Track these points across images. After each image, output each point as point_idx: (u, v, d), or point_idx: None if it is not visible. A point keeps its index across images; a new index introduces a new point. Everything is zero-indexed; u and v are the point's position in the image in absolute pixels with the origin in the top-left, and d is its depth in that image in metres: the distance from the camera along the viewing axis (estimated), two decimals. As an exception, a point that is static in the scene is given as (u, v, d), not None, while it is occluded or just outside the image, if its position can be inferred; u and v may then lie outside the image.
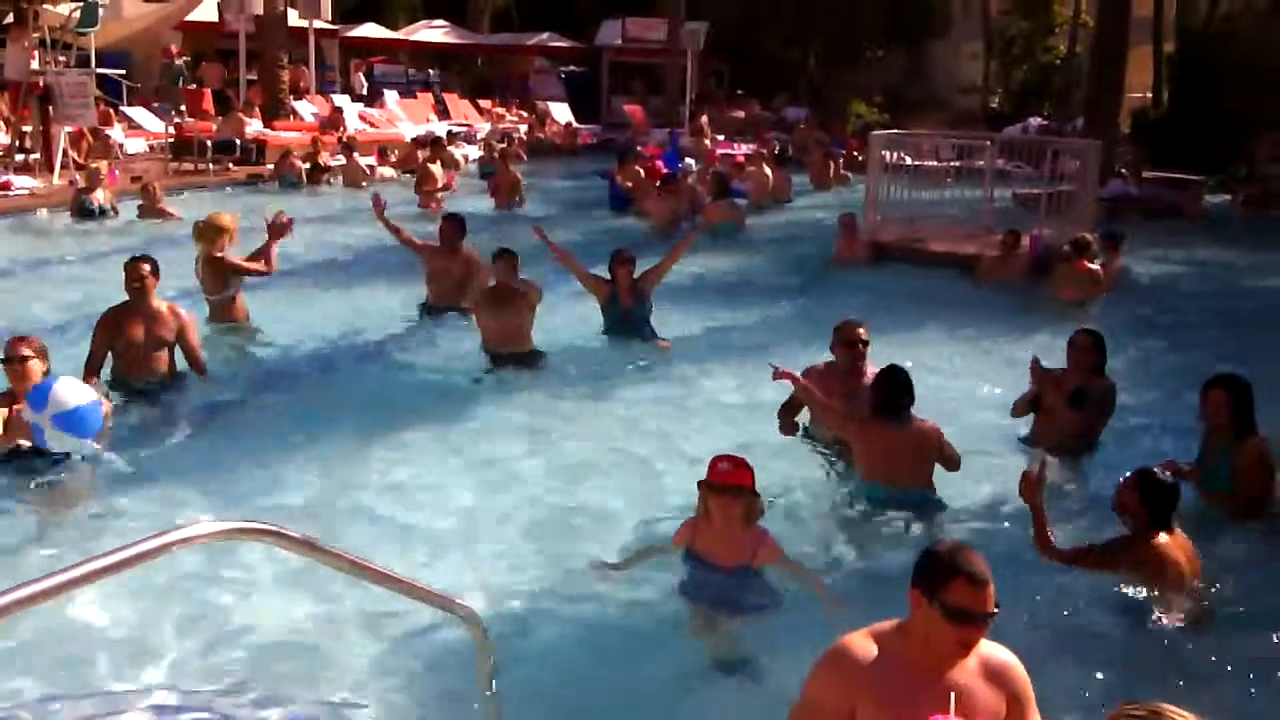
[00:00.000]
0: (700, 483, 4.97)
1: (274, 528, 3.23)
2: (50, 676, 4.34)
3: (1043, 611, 5.06)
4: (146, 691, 4.29)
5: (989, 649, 3.33)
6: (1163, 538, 5.01)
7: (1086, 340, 7.06)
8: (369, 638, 4.73)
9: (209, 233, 9.27)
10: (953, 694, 2.80)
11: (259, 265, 9.37)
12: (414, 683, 4.55)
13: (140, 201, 16.02)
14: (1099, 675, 4.59)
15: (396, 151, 23.92)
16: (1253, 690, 4.60)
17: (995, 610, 3.21)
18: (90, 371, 7.45)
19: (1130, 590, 5.03)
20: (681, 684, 4.67)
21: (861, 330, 7.03)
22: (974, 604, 3.15)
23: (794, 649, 4.70)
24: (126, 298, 7.69)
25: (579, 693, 4.55)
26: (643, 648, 4.88)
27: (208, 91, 27.32)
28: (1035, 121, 32.97)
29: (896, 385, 6.16)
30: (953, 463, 6.20)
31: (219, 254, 9.25)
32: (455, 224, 10.51)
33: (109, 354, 7.63)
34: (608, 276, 9.77)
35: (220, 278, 9.34)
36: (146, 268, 7.67)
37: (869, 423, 6.21)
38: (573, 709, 4.41)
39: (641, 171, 19.45)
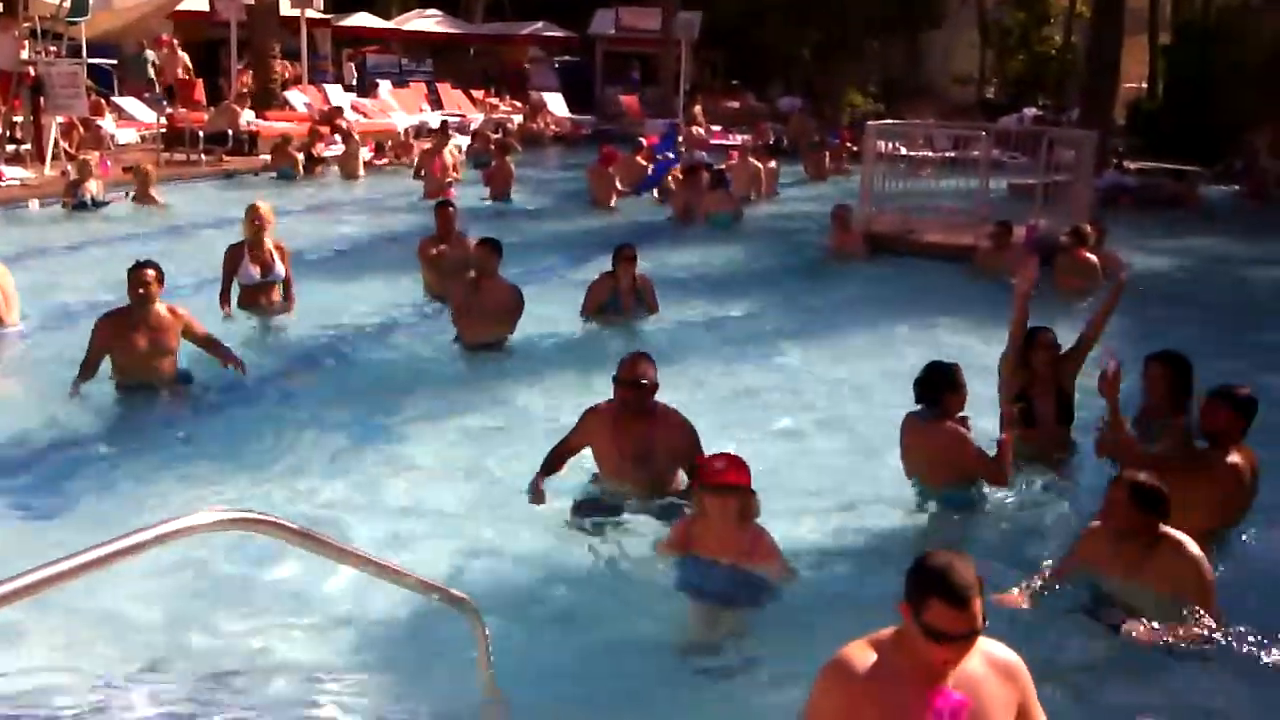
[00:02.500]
0: (694, 482, 4.91)
1: (269, 517, 3.19)
2: (44, 666, 4.29)
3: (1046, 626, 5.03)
4: (138, 680, 4.26)
5: (992, 647, 3.31)
6: (1239, 455, 5.16)
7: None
8: (365, 627, 4.69)
9: (246, 218, 9.59)
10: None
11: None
12: (411, 671, 4.51)
13: (133, 188, 15.97)
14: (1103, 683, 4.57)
15: (391, 143, 23.82)
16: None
17: (978, 629, 3.15)
18: (85, 374, 7.40)
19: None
20: (678, 671, 4.64)
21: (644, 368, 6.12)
22: (952, 626, 3.10)
23: (789, 640, 4.71)
24: (127, 301, 7.49)
25: (576, 680, 4.52)
26: (639, 635, 4.86)
27: (199, 82, 27.18)
28: (1030, 112, 33.01)
29: (926, 377, 6.10)
30: (981, 472, 6.01)
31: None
32: (450, 214, 10.51)
33: (106, 356, 7.51)
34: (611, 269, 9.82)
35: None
36: (151, 273, 7.46)
37: (907, 416, 6.19)
38: (571, 696, 4.37)
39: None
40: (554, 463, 6.15)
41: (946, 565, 3.15)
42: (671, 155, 20.92)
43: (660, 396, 6.05)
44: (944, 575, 3.12)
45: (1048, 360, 6.75)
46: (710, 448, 5.49)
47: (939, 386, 6.04)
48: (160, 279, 7.54)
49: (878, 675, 3.18)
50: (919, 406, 6.13)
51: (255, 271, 9.55)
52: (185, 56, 28.22)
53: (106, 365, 7.56)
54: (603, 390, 8.21)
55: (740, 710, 4.37)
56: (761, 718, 3.65)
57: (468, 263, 9.18)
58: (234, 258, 9.59)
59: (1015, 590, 4.90)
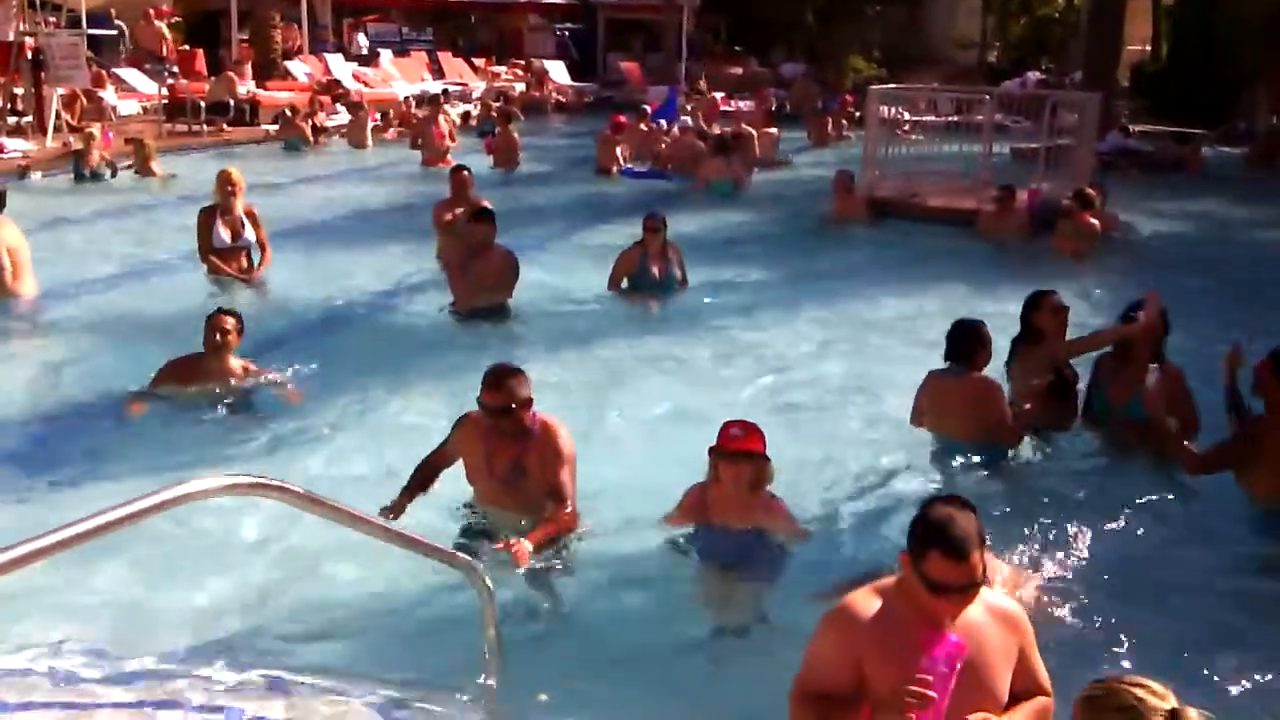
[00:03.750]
0: (711, 449, 4.96)
1: (275, 482, 3.24)
2: (46, 635, 4.34)
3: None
4: (141, 647, 4.31)
5: (993, 598, 3.35)
6: None
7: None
8: (371, 590, 4.74)
9: (218, 183, 9.64)
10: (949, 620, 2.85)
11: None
12: (416, 635, 4.56)
13: (133, 161, 15.98)
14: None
15: (392, 113, 23.75)
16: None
17: (977, 581, 3.18)
18: (141, 404, 6.86)
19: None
20: (689, 637, 4.69)
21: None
22: (951, 578, 3.13)
23: (803, 610, 4.74)
24: (201, 349, 6.95)
25: (582, 644, 4.57)
26: (647, 601, 4.91)
27: (199, 52, 27.04)
28: (1034, 75, 32.77)
29: (955, 335, 6.27)
30: (1006, 429, 6.16)
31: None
32: (465, 177, 10.58)
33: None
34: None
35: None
36: (231, 323, 6.90)
37: (934, 375, 6.36)
38: (576, 660, 4.42)
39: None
40: (423, 478, 5.38)
41: (947, 518, 3.17)
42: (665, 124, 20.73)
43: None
44: (944, 528, 3.14)
45: (1054, 324, 6.74)
46: (718, 414, 5.48)
47: (970, 342, 6.20)
48: (240, 330, 6.97)
49: (880, 620, 3.23)
50: (945, 365, 6.30)
51: (225, 235, 9.63)
52: (163, 27, 28.02)
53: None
54: (606, 357, 8.34)
55: (755, 674, 4.38)
56: (777, 681, 3.71)
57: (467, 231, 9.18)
58: (205, 222, 9.67)
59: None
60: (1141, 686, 2.59)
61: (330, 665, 4.20)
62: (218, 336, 6.84)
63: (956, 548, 3.11)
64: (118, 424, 6.72)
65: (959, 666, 3.00)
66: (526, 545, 4.75)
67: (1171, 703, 2.56)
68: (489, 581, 3.90)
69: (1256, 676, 4.25)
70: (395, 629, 4.61)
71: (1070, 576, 5.02)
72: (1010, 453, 6.33)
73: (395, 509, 5.10)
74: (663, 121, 20.81)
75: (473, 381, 5.16)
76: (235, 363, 6.99)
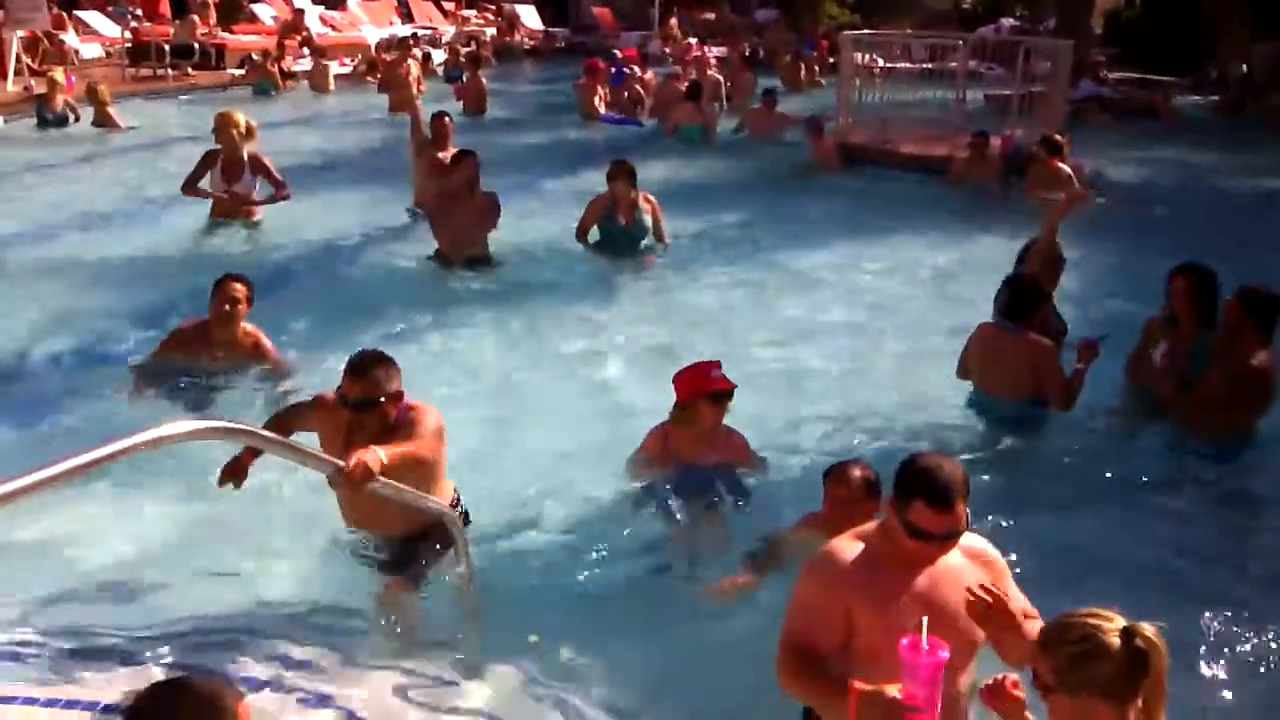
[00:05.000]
0: (693, 392, 4.96)
1: (243, 426, 3.22)
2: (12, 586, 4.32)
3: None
4: (117, 599, 4.30)
5: (967, 539, 3.34)
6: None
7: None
8: (345, 537, 4.72)
9: (220, 127, 9.39)
10: (925, 619, 2.80)
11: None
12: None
13: (93, 108, 15.72)
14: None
15: (360, 56, 23.43)
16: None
17: (958, 530, 3.19)
18: (145, 380, 6.30)
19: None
20: (660, 586, 4.71)
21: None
22: (933, 526, 3.14)
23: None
24: (206, 315, 6.31)
25: (558, 593, 4.58)
26: (624, 551, 4.89)
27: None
28: (1008, 22, 32.64)
29: (1013, 291, 5.98)
30: (1059, 392, 5.81)
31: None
32: (449, 123, 10.42)
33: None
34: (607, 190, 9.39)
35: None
36: (241, 290, 6.24)
37: (984, 324, 6.13)
38: (550, 609, 4.43)
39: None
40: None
41: (934, 466, 3.18)
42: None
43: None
44: (929, 476, 3.15)
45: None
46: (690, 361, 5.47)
47: (1031, 300, 5.95)
48: (250, 297, 6.31)
49: (868, 565, 3.24)
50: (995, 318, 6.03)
51: (220, 180, 9.46)
52: None
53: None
54: (589, 307, 8.29)
55: (736, 611, 4.43)
56: (758, 618, 3.76)
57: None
58: (208, 163, 9.46)
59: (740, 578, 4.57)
60: (1092, 615, 2.66)
61: (299, 612, 4.19)
62: (227, 306, 6.19)
63: (941, 496, 3.12)
64: (80, 379, 6.59)
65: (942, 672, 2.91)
66: (378, 454, 3.80)
67: (1120, 622, 2.64)
68: (462, 527, 3.90)
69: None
70: (370, 578, 4.58)
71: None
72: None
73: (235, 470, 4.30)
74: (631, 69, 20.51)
75: (462, 335, 5.05)
76: (246, 332, 6.33)
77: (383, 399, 4.21)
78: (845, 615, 3.21)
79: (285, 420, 4.56)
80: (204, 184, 9.46)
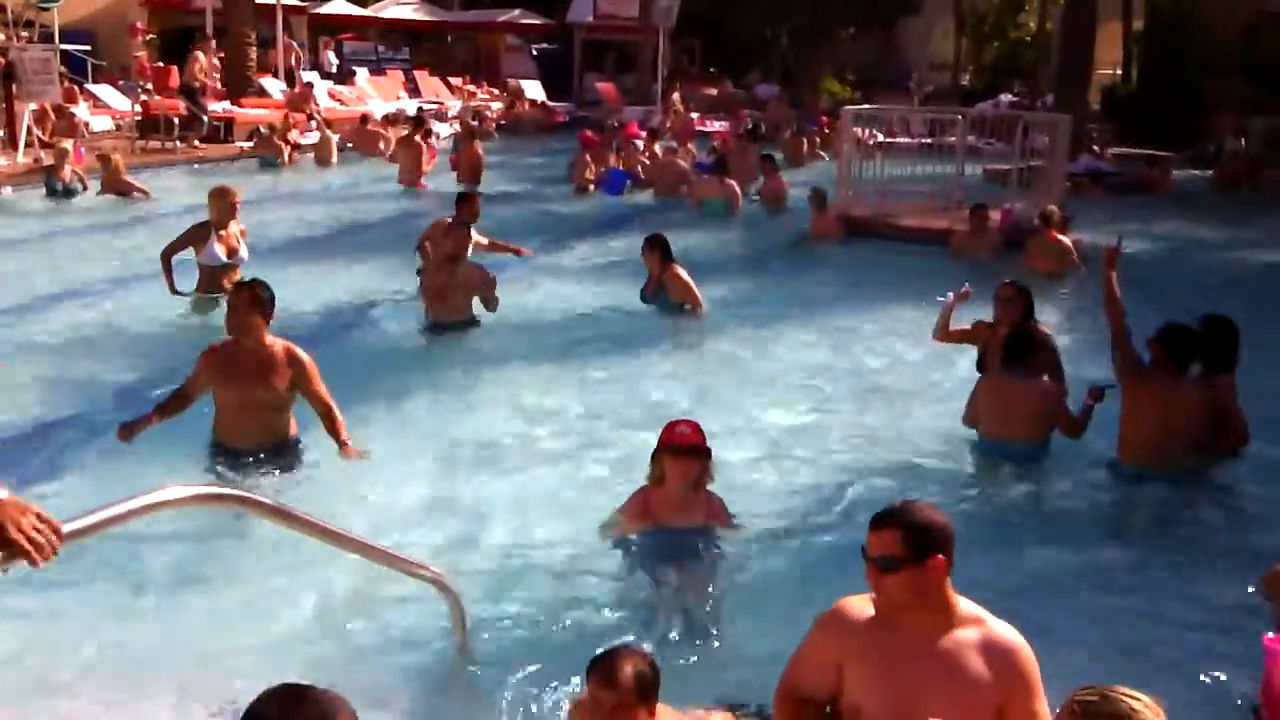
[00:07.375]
0: (658, 448, 4.99)
1: (244, 494, 3.23)
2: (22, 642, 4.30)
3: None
4: (110, 658, 4.28)
5: (997, 626, 3.20)
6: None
7: (1010, 291, 7.17)
8: (340, 603, 4.70)
9: (218, 200, 9.40)
10: None
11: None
12: (387, 647, 4.52)
13: (102, 176, 15.89)
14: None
15: (350, 128, 23.72)
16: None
17: (873, 555, 3.14)
18: (166, 410, 5.98)
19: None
20: (651, 636, 4.65)
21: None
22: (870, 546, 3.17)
23: (758, 612, 4.77)
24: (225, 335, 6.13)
25: (551, 655, 4.53)
26: (614, 608, 4.88)
27: (174, 69, 26.95)
28: (1006, 98, 33.14)
29: (1016, 339, 6.47)
30: (1070, 425, 6.40)
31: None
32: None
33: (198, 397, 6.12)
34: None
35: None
36: (245, 295, 5.98)
37: (992, 373, 6.64)
38: (545, 670, 4.40)
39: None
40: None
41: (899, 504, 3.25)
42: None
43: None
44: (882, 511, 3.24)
45: (1006, 314, 7.07)
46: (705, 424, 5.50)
47: (1030, 345, 6.45)
48: (263, 305, 5.96)
49: (871, 627, 3.22)
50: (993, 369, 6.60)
51: (221, 253, 9.37)
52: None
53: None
54: (595, 370, 8.36)
55: (724, 666, 4.41)
56: (742, 673, 3.75)
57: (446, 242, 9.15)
58: (199, 237, 9.31)
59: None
60: (1135, 699, 2.60)
61: (292, 675, 4.15)
62: (234, 317, 5.95)
63: (875, 518, 3.23)
64: (74, 440, 6.61)
65: None
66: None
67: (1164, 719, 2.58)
68: (456, 591, 3.89)
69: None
70: (364, 642, 4.55)
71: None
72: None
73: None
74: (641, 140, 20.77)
75: (442, 399, 5.10)
76: (276, 345, 6.00)
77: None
78: (836, 667, 3.24)
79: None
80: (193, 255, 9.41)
